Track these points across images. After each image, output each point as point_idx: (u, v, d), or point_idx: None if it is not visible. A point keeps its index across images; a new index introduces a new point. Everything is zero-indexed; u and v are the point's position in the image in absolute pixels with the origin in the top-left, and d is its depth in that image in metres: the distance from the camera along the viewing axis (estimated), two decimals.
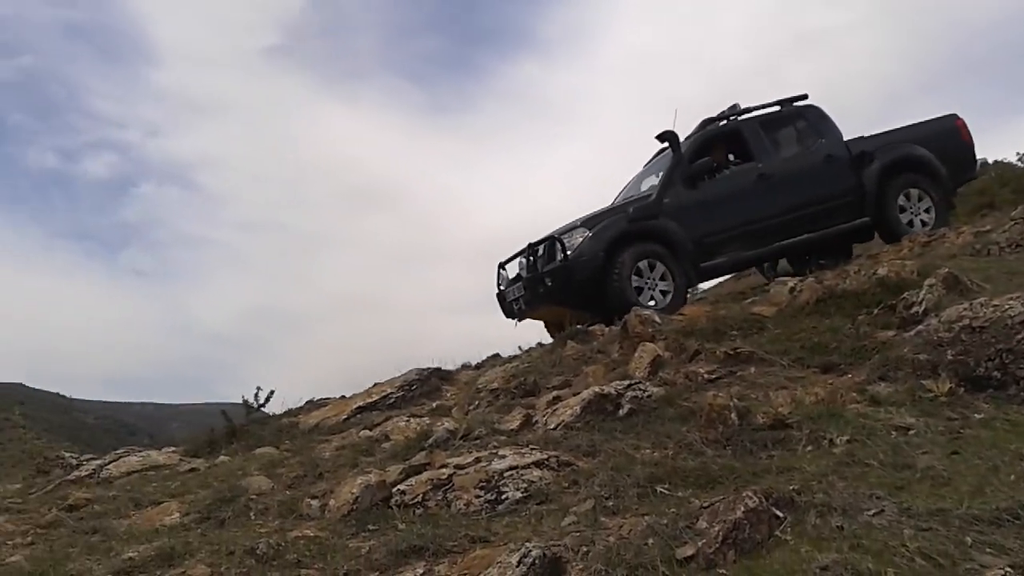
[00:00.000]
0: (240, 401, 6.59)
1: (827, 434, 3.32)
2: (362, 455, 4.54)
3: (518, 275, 8.74)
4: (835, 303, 5.19)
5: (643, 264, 7.83)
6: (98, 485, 5.05)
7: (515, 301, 8.61)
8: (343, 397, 6.75)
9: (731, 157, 9.22)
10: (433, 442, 4.27)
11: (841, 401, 3.71)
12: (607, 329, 6.53)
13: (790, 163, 8.84)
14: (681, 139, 8.86)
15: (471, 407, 5.35)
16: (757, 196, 8.54)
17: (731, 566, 2.37)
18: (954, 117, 9.47)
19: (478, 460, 3.65)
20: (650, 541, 2.56)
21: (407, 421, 5.09)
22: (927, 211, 8.91)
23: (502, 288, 9.00)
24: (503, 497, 3.33)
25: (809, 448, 3.28)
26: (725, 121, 9.24)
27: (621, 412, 4.13)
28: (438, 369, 6.72)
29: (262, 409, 6.53)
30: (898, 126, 9.35)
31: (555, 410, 4.38)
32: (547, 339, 8.05)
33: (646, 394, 4.23)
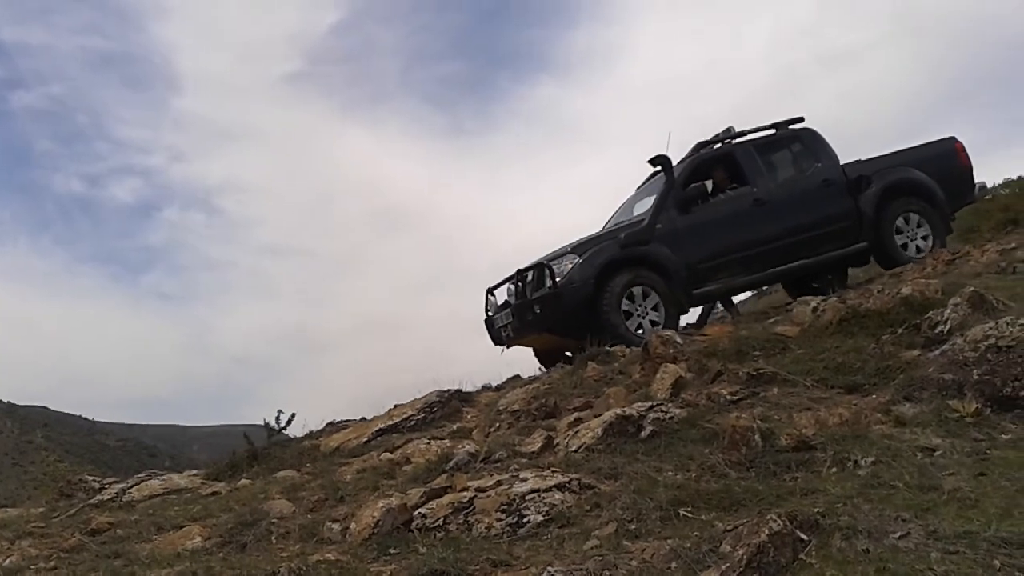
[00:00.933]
0: (261, 422, 6.62)
1: (852, 456, 3.29)
2: (383, 478, 4.55)
3: (506, 301, 8.60)
4: (859, 323, 5.13)
5: (636, 291, 7.71)
6: (120, 509, 5.07)
7: (503, 328, 8.46)
8: (363, 419, 6.75)
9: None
10: (454, 465, 4.27)
11: (866, 422, 3.68)
12: (628, 350, 6.50)
13: (785, 187, 8.66)
14: (674, 163, 8.67)
15: (492, 429, 5.34)
16: (752, 221, 8.36)
17: None
18: (952, 140, 9.34)
19: (499, 483, 3.63)
20: (673, 565, 2.54)
21: (428, 443, 5.09)
22: (924, 237, 8.77)
23: (490, 314, 8.84)
24: (524, 520, 3.32)
25: (834, 470, 3.25)
26: (719, 144, 9.04)
27: (643, 434, 4.10)
28: (459, 391, 6.70)
29: (283, 431, 6.55)
30: (895, 149, 9.22)
31: (576, 432, 4.35)
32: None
33: (668, 416, 4.20)
